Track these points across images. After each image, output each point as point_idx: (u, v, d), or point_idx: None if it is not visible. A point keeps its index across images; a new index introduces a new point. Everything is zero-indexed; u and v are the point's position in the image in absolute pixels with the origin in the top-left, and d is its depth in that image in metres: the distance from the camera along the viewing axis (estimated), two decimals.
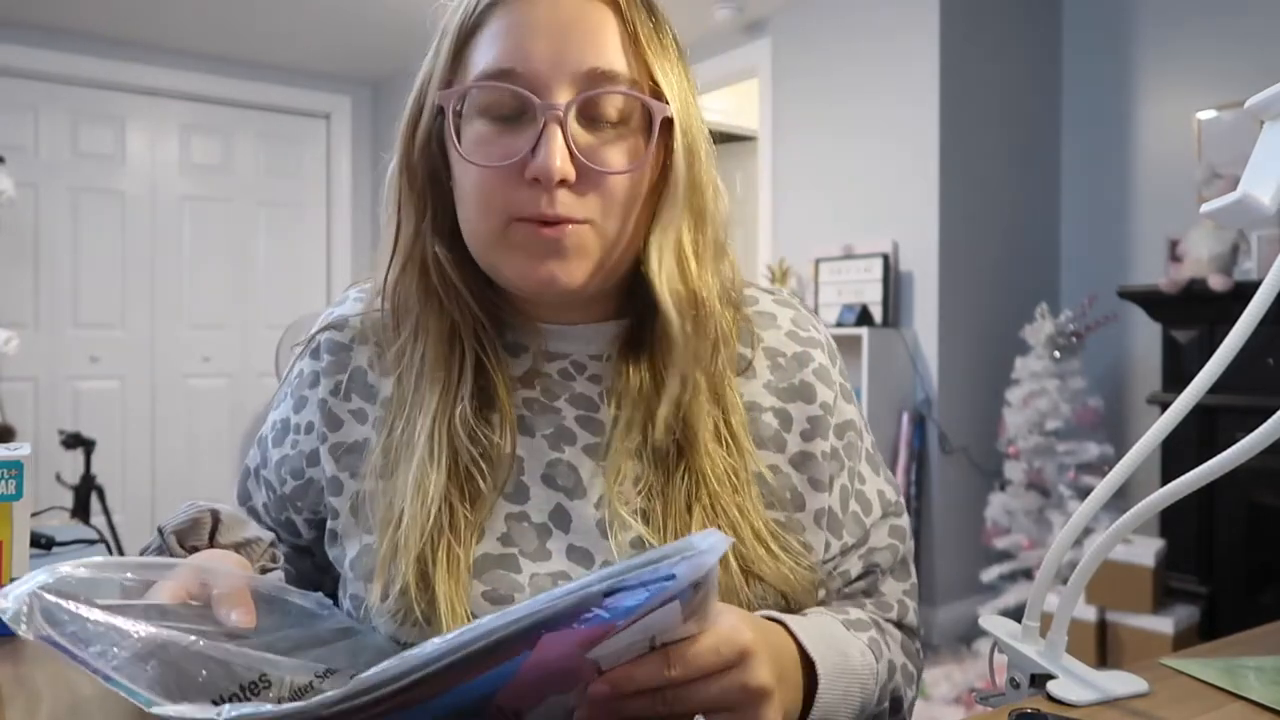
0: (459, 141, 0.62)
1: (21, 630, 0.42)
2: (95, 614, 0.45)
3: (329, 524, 0.68)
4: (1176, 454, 2.26)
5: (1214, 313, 2.50)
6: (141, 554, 0.62)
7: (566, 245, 0.60)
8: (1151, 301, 2.65)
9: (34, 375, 3.88)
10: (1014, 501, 2.72)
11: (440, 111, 0.63)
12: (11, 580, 0.71)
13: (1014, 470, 2.73)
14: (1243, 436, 0.50)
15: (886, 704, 0.66)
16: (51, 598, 0.44)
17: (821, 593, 0.68)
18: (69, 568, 0.47)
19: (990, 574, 2.76)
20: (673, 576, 0.41)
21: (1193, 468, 0.54)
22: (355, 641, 0.59)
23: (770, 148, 3.55)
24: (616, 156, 0.61)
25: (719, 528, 0.62)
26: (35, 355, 3.83)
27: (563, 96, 0.59)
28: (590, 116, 0.61)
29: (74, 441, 3.32)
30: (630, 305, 0.68)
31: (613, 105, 0.61)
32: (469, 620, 0.58)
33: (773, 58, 3.53)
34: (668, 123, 0.62)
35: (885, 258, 3.07)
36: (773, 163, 3.54)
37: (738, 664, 0.48)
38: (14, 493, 0.74)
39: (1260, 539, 2.45)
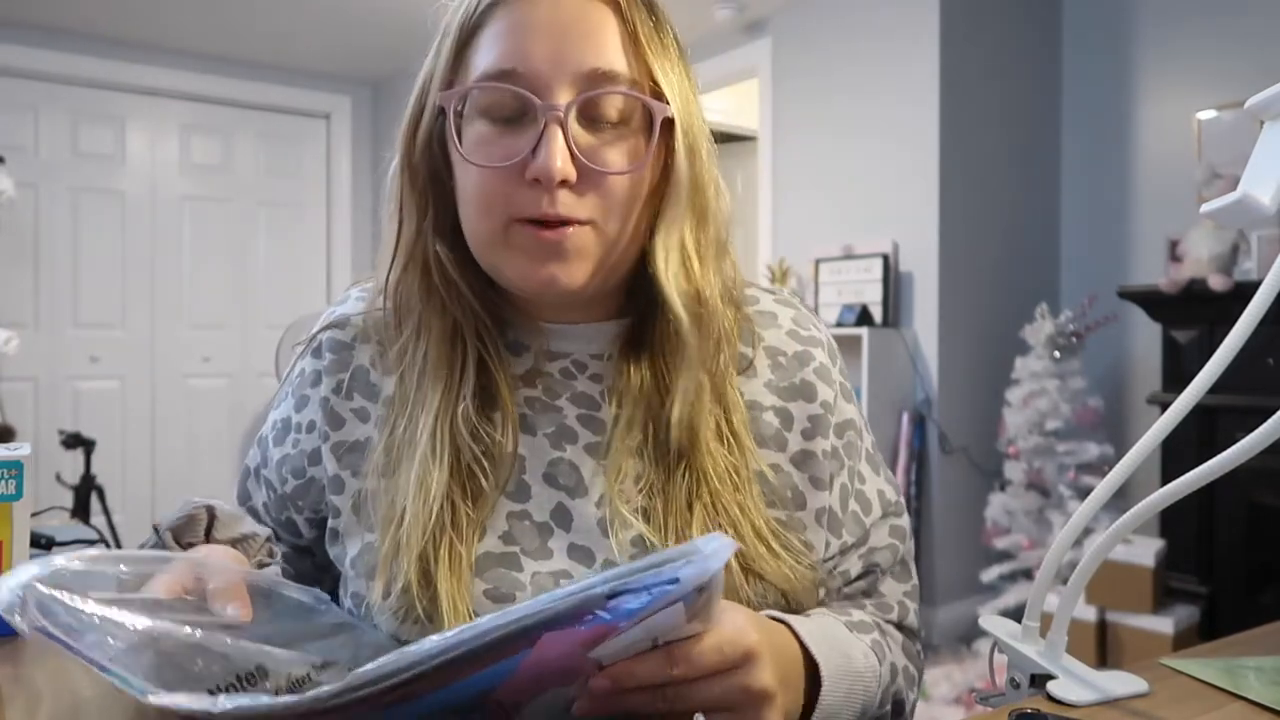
0: (460, 142, 0.62)
1: (15, 622, 0.42)
2: (90, 606, 0.44)
3: (330, 522, 0.68)
4: (1176, 454, 2.25)
5: (1214, 313, 2.50)
6: None
7: (567, 247, 0.60)
8: (1151, 301, 2.65)
9: (34, 375, 3.88)
10: (1014, 501, 2.72)
11: (441, 112, 0.63)
12: None
13: (1014, 470, 2.73)
14: (1243, 436, 0.50)
15: (888, 707, 0.66)
16: (46, 590, 0.44)
17: (821, 592, 0.68)
18: (63, 560, 0.47)
19: (990, 574, 2.76)
20: (676, 580, 0.41)
21: (1193, 468, 0.54)
22: (353, 636, 0.59)
23: (770, 148, 3.55)
24: (617, 157, 0.61)
25: (719, 525, 0.62)
26: (35, 355, 3.83)
27: (563, 97, 0.59)
28: (591, 117, 0.61)
29: (74, 441, 3.32)
30: (631, 304, 0.68)
31: (613, 105, 0.61)
32: (471, 618, 0.58)
33: (773, 58, 3.53)
34: (669, 122, 0.62)
35: (885, 258, 3.07)
36: (773, 163, 3.54)
37: (741, 665, 0.48)
38: (14, 493, 0.74)
39: (1260, 539, 2.45)
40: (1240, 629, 0.76)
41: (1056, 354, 2.69)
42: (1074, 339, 2.71)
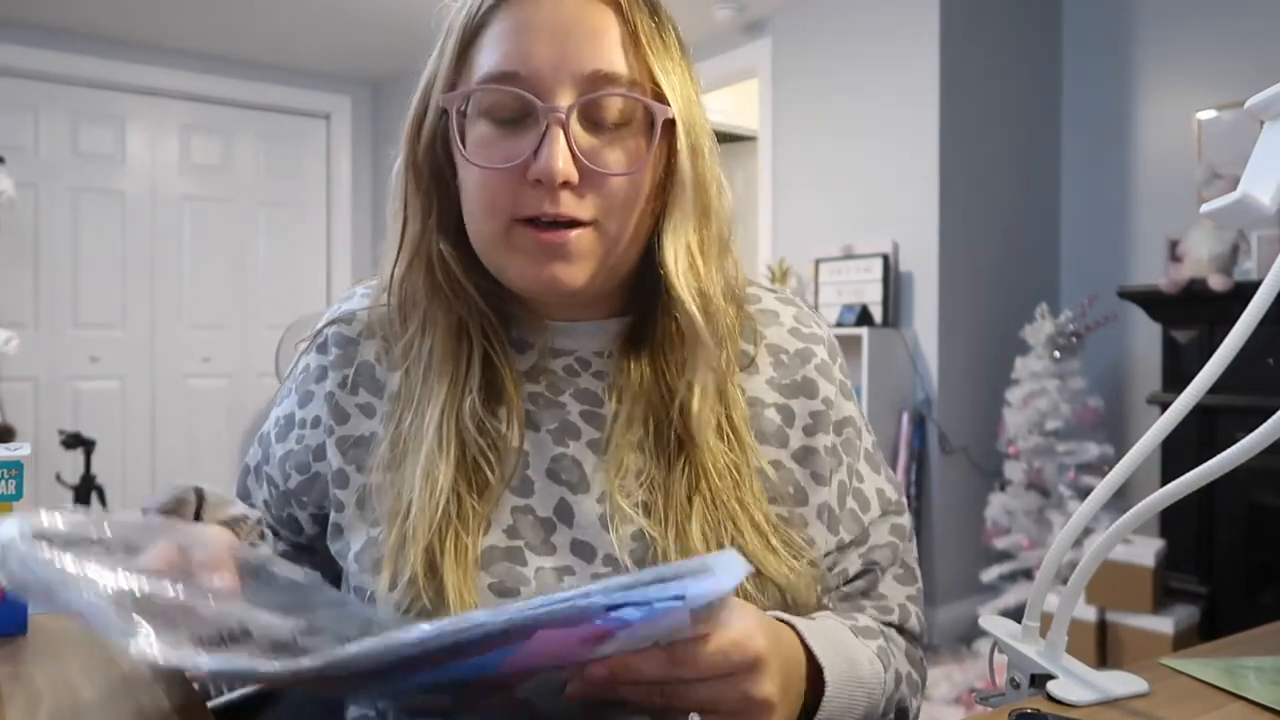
0: (463, 143, 0.63)
1: None
2: (71, 563, 0.44)
3: (332, 517, 0.68)
4: (1176, 454, 2.25)
5: (1214, 313, 2.49)
6: None
7: (569, 249, 0.61)
8: (1151, 301, 2.65)
9: (34, 375, 3.88)
10: (1014, 501, 2.72)
11: (444, 112, 0.64)
12: None
13: (1014, 470, 2.73)
14: (1243, 436, 0.50)
15: (892, 715, 0.66)
16: (25, 547, 0.44)
17: (819, 589, 0.68)
18: (46, 518, 0.47)
19: (990, 574, 2.76)
20: (682, 597, 0.40)
21: (1193, 468, 0.54)
22: (345, 610, 0.58)
23: (770, 148, 3.55)
24: (618, 158, 0.61)
25: (719, 519, 0.62)
26: (35, 355, 3.83)
27: (565, 99, 0.60)
28: (592, 118, 0.61)
29: (74, 441, 3.32)
30: (634, 302, 0.69)
31: (614, 107, 0.61)
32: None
33: (773, 58, 3.53)
34: (670, 122, 0.62)
35: (885, 258, 3.07)
36: (773, 163, 3.54)
37: (744, 672, 0.48)
38: (14, 493, 0.74)
39: (1260, 539, 2.44)
40: (1240, 629, 0.76)
41: (1056, 354, 2.69)
42: (1074, 339, 2.71)
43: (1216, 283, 2.43)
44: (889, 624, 0.71)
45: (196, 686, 0.60)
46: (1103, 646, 2.48)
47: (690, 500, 0.62)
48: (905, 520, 0.74)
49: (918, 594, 0.75)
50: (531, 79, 0.60)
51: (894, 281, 3.09)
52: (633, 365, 0.67)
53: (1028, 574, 2.72)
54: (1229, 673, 0.63)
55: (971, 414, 3.07)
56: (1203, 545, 2.52)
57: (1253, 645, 0.70)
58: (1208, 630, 2.47)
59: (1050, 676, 0.60)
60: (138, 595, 0.44)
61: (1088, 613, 2.48)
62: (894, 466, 3.00)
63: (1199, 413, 1.99)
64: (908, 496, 3.00)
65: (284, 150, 4.54)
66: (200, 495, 0.64)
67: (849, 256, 3.19)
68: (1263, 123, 0.55)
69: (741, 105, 4.15)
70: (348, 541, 0.67)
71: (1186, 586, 2.53)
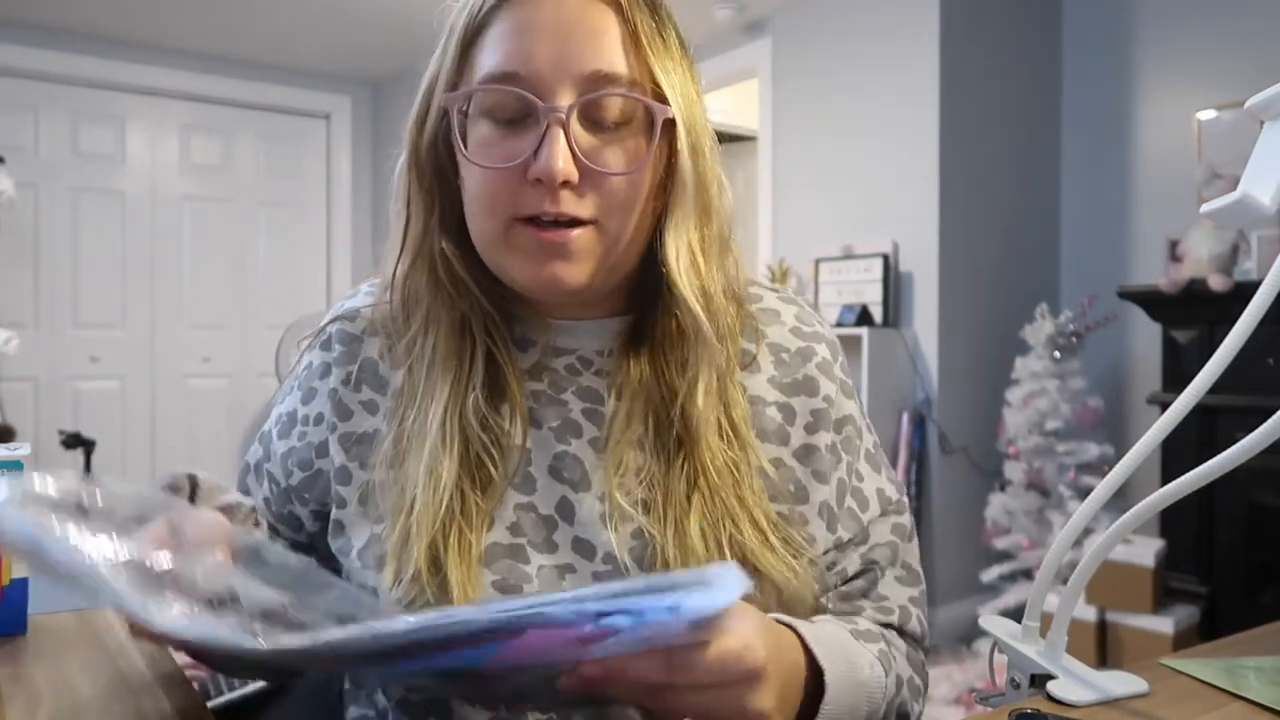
0: (464, 143, 0.63)
1: None
2: (59, 527, 0.44)
3: (334, 514, 0.68)
4: (1176, 454, 2.25)
5: (1214, 313, 2.49)
6: None
7: (569, 248, 0.61)
8: (1151, 301, 2.65)
9: (34, 375, 3.88)
10: (1014, 501, 2.72)
11: (446, 112, 0.64)
12: (12, 581, 0.71)
13: (1014, 470, 2.73)
14: (1243, 436, 0.50)
15: (893, 719, 0.66)
16: (15, 510, 0.44)
17: (817, 588, 0.68)
18: (38, 483, 0.47)
19: (990, 574, 2.76)
20: (675, 609, 0.39)
21: (1193, 468, 0.54)
22: (337, 592, 0.57)
23: (770, 148, 3.55)
24: (618, 157, 0.62)
25: (718, 516, 0.62)
26: (35, 355, 3.83)
27: (565, 99, 0.60)
28: (592, 118, 0.61)
29: (74, 441, 3.32)
30: (634, 301, 0.69)
31: (614, 107, 0.61)
32: None
33: (773, 58, 3.53)
34: (671, 122, 0.63)
35: (885, 258, 3.07)
36: (773, 163, 3.54)
37: (743, 683, 0.47)
38: None
39: (1260, 539, 2.44)
40: (1240, 629, 0.76)
41: (1056, 354, 2.69)
42: (1074, 339, 2.71)
43: (1216, 283, 2.43)
44: (888, 625, 0.71)
45: (196, 686, 0.60)
46: (1103, 646, 2.48)
47: (689, 498, 0.63)
48: (906, 520, 0.74)
49: (920, 596, 0.74)
50: (532, 79, 0.60)
51: (894, 281, 3.09)
52: (633, 363, 0.67)
53: (1028, 574, 2.72)
54: (1229, 673, 0.63)
55: (971, 414, 3.07)
56: (1203, 545, 2.52)
57: (1253, 645, 0.70)
58: (1208, 630, 2.47)
59: (1050, 676, 0.61)
60: (127, 561, 0.44)
61: (1088, 613, 2.48)
62: (894, 466, 3.00)
63: (1199, 413, 1.99)
64: (908, 496, 3.00)
65: (284, 150, 4.54)
66: (194, 482, 0.64)
67: (849, 256, 3.19)
68: (1263, 123, 0.55)
69: (741, 105, 4.15)
70: (349, 538, 0.67)
71: (1186, 586, 2.53)
